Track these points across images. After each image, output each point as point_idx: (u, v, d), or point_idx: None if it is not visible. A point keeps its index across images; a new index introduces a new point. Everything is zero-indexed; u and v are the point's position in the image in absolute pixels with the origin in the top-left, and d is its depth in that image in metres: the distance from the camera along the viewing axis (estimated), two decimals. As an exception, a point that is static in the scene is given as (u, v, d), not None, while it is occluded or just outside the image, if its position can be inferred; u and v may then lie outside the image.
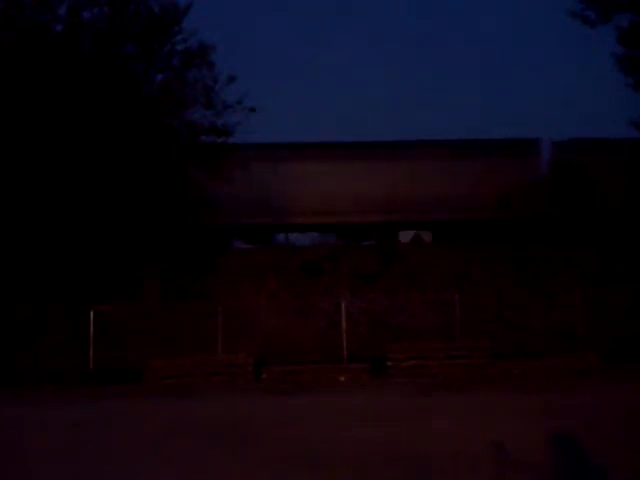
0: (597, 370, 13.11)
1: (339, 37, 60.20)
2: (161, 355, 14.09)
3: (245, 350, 14.11)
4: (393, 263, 17.88)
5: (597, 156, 18.84)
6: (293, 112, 50.43)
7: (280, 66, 55.77)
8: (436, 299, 15.53)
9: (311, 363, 14.00)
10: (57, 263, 15.18)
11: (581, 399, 9.68)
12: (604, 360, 13.59)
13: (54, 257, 15.16)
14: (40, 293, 14.78)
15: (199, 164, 16.06)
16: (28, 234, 15.09)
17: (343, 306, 14.88)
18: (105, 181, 15.26)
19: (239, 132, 16.86)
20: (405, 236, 20.74)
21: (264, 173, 18.47)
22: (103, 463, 6.38)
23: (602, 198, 18.28)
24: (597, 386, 11.25)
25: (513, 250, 17.75)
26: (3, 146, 15.18)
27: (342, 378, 13.67)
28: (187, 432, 7.88)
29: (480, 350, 13.93)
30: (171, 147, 16.50)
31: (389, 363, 13.86)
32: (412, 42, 58.07)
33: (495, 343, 14.06)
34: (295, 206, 18.78)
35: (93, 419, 9.40)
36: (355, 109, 55.33)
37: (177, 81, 16.95)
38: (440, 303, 15.34)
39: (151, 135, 16.19)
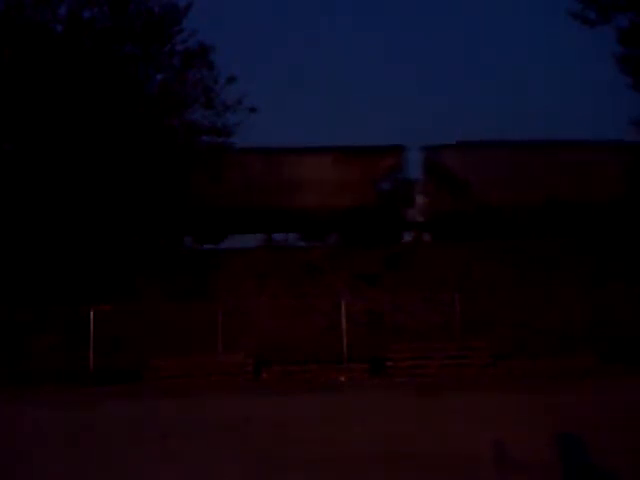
0: (597, 370, 13.10)
1: (338, 37, 60.14)
2: (161, 355, 14.09)
3: (245, 350, 14.12)
4: (395, 264, 17.87)
5: None
6: (291, 114, 50.37)
7: (279, 66, 55.73)
8: (436, 299, 15.53)
9: (311, 363, 14.00)
10: (57, 264, 15.18)
11: (581, 399, 9.68)
12: (604, 360, 13.59)
13: (54, 258, 15.17)
14: (40, 293, 14.79)
15: (199, 164, 16.07)
16: (29, 235, 15.10)
17: (343, 306, 14.87)
18: (105, 181, 15.26)
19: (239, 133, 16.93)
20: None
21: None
22: (103, 463, 6.38)
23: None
24: (597, 386, 11.24)
25: (513, 250, 17.74)
26: (3, 148, 15.20)
27: (342, 378, 13.68)
28: (187, 432, 7.88)
29: (480, 350, 13.92)
30: (171, 147, 16.50)
31: (389, 363, 13.86)
32: (413, 42, 58.05)
33: (495, 343, 14.05)
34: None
35: (93, 419, 9.40)
36: (354, 110, 55.30)
37: (177, 81, 16.96)
38: (440, 303, 15.33)
39: (151, 135, 16.20)
